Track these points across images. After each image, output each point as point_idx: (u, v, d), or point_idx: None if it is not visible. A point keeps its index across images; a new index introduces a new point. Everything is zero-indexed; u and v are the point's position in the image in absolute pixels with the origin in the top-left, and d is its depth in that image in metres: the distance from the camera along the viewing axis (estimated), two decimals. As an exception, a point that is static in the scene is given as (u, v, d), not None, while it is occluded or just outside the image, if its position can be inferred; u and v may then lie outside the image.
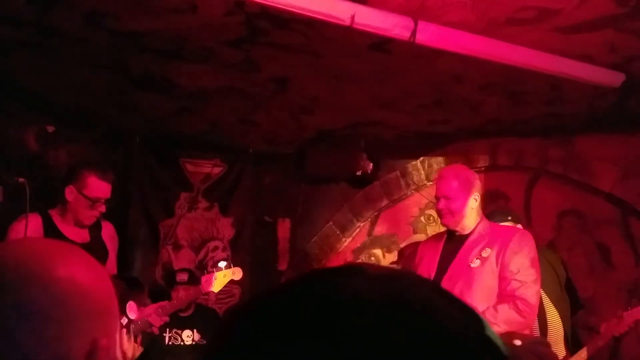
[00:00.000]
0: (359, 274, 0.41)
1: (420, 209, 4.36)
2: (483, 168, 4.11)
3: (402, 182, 4.40)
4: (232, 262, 3.44)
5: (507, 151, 4.09)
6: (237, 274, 3.29)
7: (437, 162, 4.29)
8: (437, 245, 2.78)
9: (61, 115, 3.81)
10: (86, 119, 3.98)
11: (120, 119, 4.07)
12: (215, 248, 4.67)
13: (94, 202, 2.92)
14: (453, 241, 2.72)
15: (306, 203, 4.64)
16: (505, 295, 2.56)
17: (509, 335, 1.43)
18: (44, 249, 0.67)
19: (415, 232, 4.35)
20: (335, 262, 4.53)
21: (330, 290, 0.40)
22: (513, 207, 3.80)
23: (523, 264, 2.59)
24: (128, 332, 1.50)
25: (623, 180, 3.72)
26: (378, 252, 4.48)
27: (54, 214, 2.98)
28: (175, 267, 4.45)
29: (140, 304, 2.50)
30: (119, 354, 0.67)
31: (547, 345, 1.41)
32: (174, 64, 3.17)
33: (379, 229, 4.48)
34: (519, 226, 3.29)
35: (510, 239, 2.65)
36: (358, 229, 4.52)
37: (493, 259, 2.60)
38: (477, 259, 2.62)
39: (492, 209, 4.01)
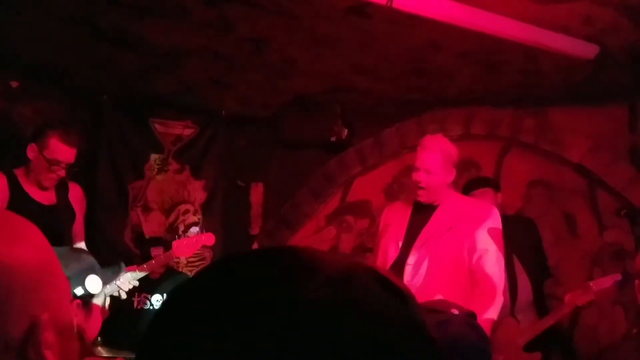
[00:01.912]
0: (314, 276, 0.42)
1: (394, 176, 4.38)
2: (457, 137, 4.12)
3: (377, 149, 4.40)
4: (204, 226, 3.43)
5: (481, 120, 4.12)
6: (209, 239, 3.27)
7: (413, 130, 4.30)
8: (405, 214, 2.77)
9: (26, 70, 3.67)
10: (53, 75, 3.85)
11: (88, 76, 3.94)
12: (187, 211, 4.62)
13: (51, 164, 2.81)
14: (422, 211, 2.72)
15: (280, 168, 4.61)
16: (472, 269, 2.58)
17: (446, 304, 1.47)
18: None
19: (388, 200, 4.38)
20: (308, 228, 4.54)
21: (292, 293, 0.41)
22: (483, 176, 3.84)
23: (488, 237, 2.62)
24: (86, 305, 1.46)
25: (593, 151, 3.79)
26: (351, 218, 4.50)
27: (20, 173, 2.89)
28: (146, 230, 4.40)
29: (109, 281, 2.46)
30: (70, 326, 0.64)
31: (476, 318, 1.48)
32: (146, 20, 3.07)
33: (353, 196, 4.49)
34: (499, 195, 3.35)
35: (478, 212, 2.68)
36: (331, 195, 4.52)
37: (461, 231, 2.61)
38: (445, 230, 2.63)
39: (463, 177, 4.06)
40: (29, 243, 0.61)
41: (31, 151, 2.82)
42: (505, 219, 3.44)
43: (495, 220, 2.70)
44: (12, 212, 0.67)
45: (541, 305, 3.38)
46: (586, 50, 3.14)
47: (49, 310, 0.60)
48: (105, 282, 1.49)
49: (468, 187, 3.42)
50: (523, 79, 3.64)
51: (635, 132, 3.72)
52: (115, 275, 1.63)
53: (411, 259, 2.63)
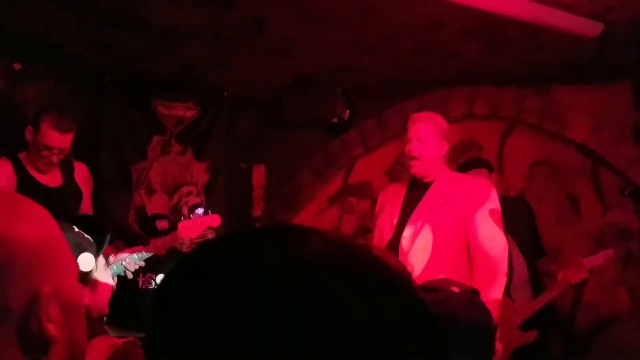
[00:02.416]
0: (318, 235, 0.44)
1: (396, 157, 4.37)
2: (459, 117, 4.11)
3: (379, 130, 4.39)
4: (206, 207, 3.43)
5: (484, 100, 4.09)
6: (214, 221, 3.28)
7: (414, 110, 4.27)
8: (400, 192, 2.76)
9: (28, 52, 3.66)
10: (54, 57, 3.84)
11: (89, 57, 3.93)
12: (190, 193, 4.63)
13: (43, 149, 2.80)
14: (416, 188, 2.70)
15: (282, 149, 4.61)
16: (474, 249, 2.56)
17: (446, 282, 1.46)
18: None
19: (390, 181, 4.37)
20: (310, 209, 4.55)
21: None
22: (486, 157, 3.83)
23: (489, 218, 2.60)
24: (86, 283, 1.47)
25: (596, 131, 3.77)
26: (353, 200, 4.50)
27: (23, 157, 2.89)
28: (149, 212, 4.42)
29: (102, 250, 2.48)
30: (75, 300, 0.64)
31: (479, 295, 1.48)
32: (146, -1, 3.05)
33: (355, 177, 4.49)
34: (493, 175, 3.35)
35: (474, 189, 2.65)
36: (333, 177, 4.52)
37: (456, 209, 2.59)
38: (440, 207, 2.61)
39: (466, 158, 4.05)
40: (32, 220, 0.62)
41: (28, 134, 2.81)
42: (500, 200, 3.45)
43: (495, 201, 2.68)
44: (16, 193, 0.67)
45: (537, 284, 3.39)
46: (590, 27, 3.11)
47: (52, 285, 0.59)
48: (95, 257, 1.49)
49: (462, 167, 3.41)
50: (526, 57, 3.61)
51: (640, 111, 3.70)
52: (102, 247, 1.62)
53: (406, 232, 2.61)
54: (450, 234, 2.58)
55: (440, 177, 2.66)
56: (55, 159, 2.84)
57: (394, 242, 2.63)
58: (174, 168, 4.58)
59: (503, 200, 3.46)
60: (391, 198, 2.79)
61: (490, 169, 3.37)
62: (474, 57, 3.66)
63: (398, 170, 4.34)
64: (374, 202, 4.37)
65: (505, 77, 3.90)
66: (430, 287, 1.36)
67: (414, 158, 2.64)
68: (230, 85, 4.42)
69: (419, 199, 2.65)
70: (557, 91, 3.87)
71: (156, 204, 4.49)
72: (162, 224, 3.62)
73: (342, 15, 3.16)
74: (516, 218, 3.31)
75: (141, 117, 4.47)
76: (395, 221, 2.67)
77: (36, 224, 0.61)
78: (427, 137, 2.62)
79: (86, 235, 1.49)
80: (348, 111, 4.24)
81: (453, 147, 4.21)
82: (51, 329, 0.58)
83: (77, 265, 0.65)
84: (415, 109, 4.27)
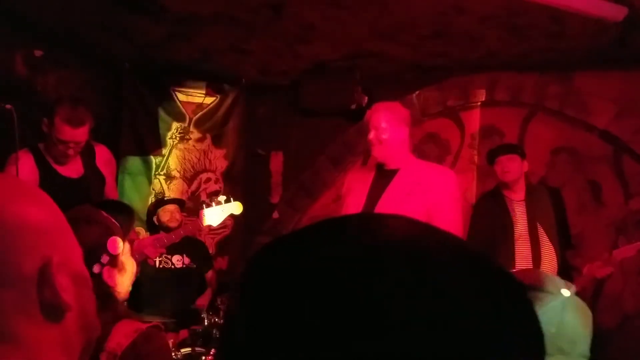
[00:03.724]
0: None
1: (414, 144, 4.33)
2: (480, 103, 4.06)
3: (397, 117, 4.35)
4: (225, 194, 3.43)
5: (505, 86, 4.04)
6: (237, 208, 3.25)
7: (434, 96, 4.24)
8: (367, 178, 2.77)
9: (49, 39, 3.69)
10: (75, 44, 3.87)
11: (109, 44, 3.95)
12: (208, 180, 4.66)
13: (59, 143, 2.76)
14: (382, 175, 2.71)
15: (300, 136, 4.61)
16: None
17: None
18: None
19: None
20: (327, 196, 4.55)
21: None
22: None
23: (448, 201, 2.58)
24: (115, 265, 1.49)
25: (619, 117, 3.70)
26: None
27: (43, 148, 2.85)
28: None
29: (128, 233, 2.49)
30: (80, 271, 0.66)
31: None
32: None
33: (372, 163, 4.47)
34: (525, 162, 3.31)
35: (436, 178, 2.64)
36: (351, 163, 4.51)
37: (420, 198, 2.58)
38: (405, 196, 2.60)
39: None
40: (37, 200, 0.64)
41: (45, 125, 2.77)
42: (530, 187, 3.41)
43: (455, 189, 2.66)
44: (22, 180, 0.70)
45: (566, 276, 3.35)
46: (614, 11, 3.04)
47: (60, 253, 0.62)
48: (123, 239, 1.51)
49: (494, 153, 3.38)
50: (548, 42, 3.55)
51: (664, 97, 3.62)
52: (130, 227, 1.64)
53: None
54: None
55: (405, 165, 2.68)
56: (71, 152, 2.80)
57: None
58: (192, 155, 4.61)
59: (533, 187, 3.43)
60: (358, 182, 2.80)
61: (522, 155, 3.33)
62: (495, 43, 3.61)
63: (417, 156, 4.30)
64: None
65: (527, 62, 3.84)
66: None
67: (374, 143, 2.67)
68: (249, 72, 4.42)
69: (384, 187, 2.67)
70: (579, 77, 3.80)
71: (175, 191, 4.53)
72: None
73: (361, 1, 3.13)
74: (547, 207, 3.27)
75: (161, 104, 4.50)
76: (361, 207, 2.67)
77: (41, 203, 0.64)
78: (384, 123, 2.65)
79: (113, 220, 1.51)
80: (366, 98, 4.22)
81: (474, 133, 4.22)
82: (65, 295, 0.61)
83: (79, 246, 0.67)
84: (435, 95, 4.25)
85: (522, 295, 0.40)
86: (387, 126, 2.64)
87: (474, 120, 4.19)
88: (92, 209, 1.52)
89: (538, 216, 3.27)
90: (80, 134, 2.78)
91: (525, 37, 3.49)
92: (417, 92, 4.27)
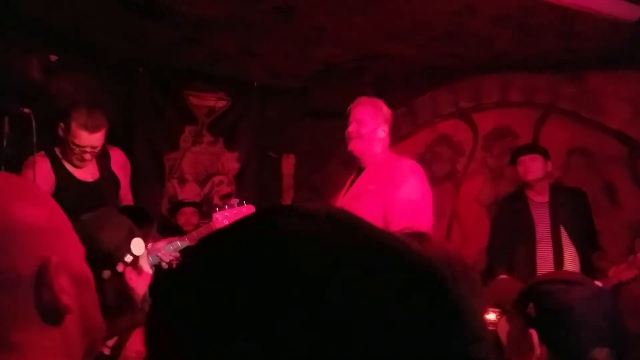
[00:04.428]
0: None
1: (426, 145, 4.32)
2: (492, 104, 4.04)
3: (409, 118, 4.34)
4: (237, 196, 3.45)
5: (517, 87, 4.01)
6: (249, 211, 3.26)
7: (446, 98, 4.22)
8: (351, 177, 2.79)
9: (64, 44, 3.74)
10: (89, 49, 3.91)
11: (123, 49, 4.00)
12: (221, 182, 4.68)
13: (75, 147, 2.76)
14: (357, 174, 2.72)
15: (311, 138, 4.61)
16: (395, 224, 2.45)
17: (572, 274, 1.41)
18: None
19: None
20: (338, 198, 4.54)
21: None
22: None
23: (401, 199, 2.51)
24: (135, 267, 1.50)
25: (633, 118, 3.65)
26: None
27: (59, 152, 2.86)
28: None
29: (149, 238, 2.50)
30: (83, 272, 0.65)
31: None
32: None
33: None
34: (549, 163, 3.25)
35: (394, 173, 2.58)
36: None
37: (376, 194, 2.54)
38: (365, 191, 2.58)
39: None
40: (36, 200, 0.63)
41: (60, 129, 2.78)
42: (554, 188, 3.35)
43: (413, 185, 2.56)
44: (19, 177, 0.69)
45: (591, 278, 3.28)
46: (628, 11, 3.01)
47: (58, 253, 0.60)
48: (145, 241, 1.52)
49: (516, 153, 3.34)
50: (561, 42, 3.52)
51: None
52: (150, 232, 1.66)
53: None
54: (370, 218, 2.49)
55: (372, 163, 2.64)
56: (88, 156, 2.81)
57: None
58: (205, 158, 4.64)
59: (556, 188, 3.37)
60: (347, 181, 2.82)
61: (545, 155, 3.25)
62: (507, 43, 3.59)
63: (429, 158, 4.29)
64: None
65: (539, 63, 3.80)
66: (561, 279, 1.25)
67: (352, 137, 2.66)
68: (260, 75, 4.43)
69: (352, 184, 2.69)
70: (593, 77, 3.76)
71: (188, 193, 4.56)
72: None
73: (371, 2, 3.13)
74: (570, 209, 3.22)
75: (174, 107, 4.53)
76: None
77: (39, 203, 0.63)
78: (364, 117, 2.64)
79: (134, 224, 1.53)
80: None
81: (486, 134, 4.19)
82: (64, 297, 0.59)
83: (81, 246, 0.66)
84: (447, 96, 4.22)
85: (428, 282, 0.41)
86: (366, 120, 2.64)
87: (486, 121, 4.16)
88: (116, 211, 1.53)
89: (561, 218, 3.22)
90: (97, 139, 2.80)
91: (537, 37, 3.46)
92: (429, 93, 4.25)
